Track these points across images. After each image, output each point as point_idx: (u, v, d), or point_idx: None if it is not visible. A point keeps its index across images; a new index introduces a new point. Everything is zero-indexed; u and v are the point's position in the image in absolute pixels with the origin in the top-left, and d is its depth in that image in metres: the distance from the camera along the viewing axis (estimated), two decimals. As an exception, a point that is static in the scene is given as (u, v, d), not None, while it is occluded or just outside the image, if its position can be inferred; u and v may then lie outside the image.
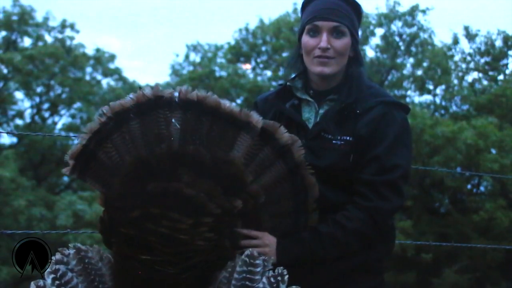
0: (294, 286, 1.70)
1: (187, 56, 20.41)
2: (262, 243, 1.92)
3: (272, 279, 1.70)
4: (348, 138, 2.01)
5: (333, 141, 2.02)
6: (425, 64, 18.40)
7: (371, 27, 18.24)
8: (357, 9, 2.13)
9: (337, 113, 2.04)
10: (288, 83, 2.17)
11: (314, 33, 2.07)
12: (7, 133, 3.40)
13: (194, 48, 20.29)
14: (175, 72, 20.11)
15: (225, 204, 1.83)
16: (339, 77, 2.12)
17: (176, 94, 1.86)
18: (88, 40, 31.43)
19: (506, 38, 17.98)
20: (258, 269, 1.73)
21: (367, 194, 1.96)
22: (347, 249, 1.97)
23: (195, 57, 20.38)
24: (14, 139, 17.44)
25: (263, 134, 1.90)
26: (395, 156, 1.98)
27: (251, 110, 1.92)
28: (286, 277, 1.70)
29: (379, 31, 18.51)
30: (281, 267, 1.73)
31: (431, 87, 18.71)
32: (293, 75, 2.21)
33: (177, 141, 1.83)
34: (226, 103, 1.88)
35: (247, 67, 19.25)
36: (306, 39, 2.09)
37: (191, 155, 1.82)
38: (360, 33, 2.22)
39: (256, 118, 1.89)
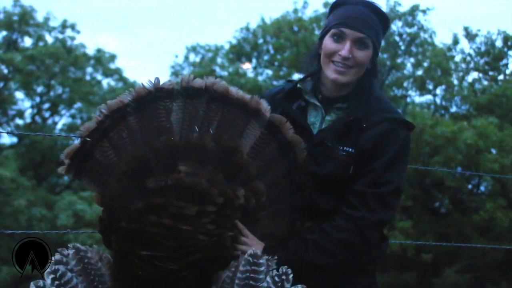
0: (299, 285, 1.71)
1: (186, 58, 20.40)
2: (250, 243, 1.92)
3: (276, 278, 1.70)
4: (350, 149, 2.01)
5: (335, 151, 2.01)
6: (425, 64, 18.36)
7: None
8: (386, 22, 2.11)
9: (343, 125, 2.03)
10: (298, 85, 2.16)
11: (338, 39, 2.05)
12: (8, 133, 3.39)
13: (194, 49, 20.26)
14: (175, 72, 20.10)
15: (227, 191, 1.82)
16: (351, 86, 2.10)
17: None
18: (86, 39, 31.32)
19: (506, 38, 17.94)
20: (262, 268, 1.73)
21: (355, 205, 1.96)
22: (334, 258, 1.96)
23: (194, 58, 20.38)
24: (15, 139, 17.46)
25: (270, 127, 1.90)
26: (390, 173, 1.99)
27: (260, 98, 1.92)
28: (291, 276, 1.70)
29: (379, 31, 18.48)
30: (285, 266, 1.73)
31: (431, 87, 18.69)
32: (303, 75, 2.19)
33: (178, 131, 1.83)
34: (235, 89, 1.89)
35: (247, 66, 19.24)
36: (328, 41, 2.06)
37: (194, 144, 1.82)
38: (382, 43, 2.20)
39: (265, 106, 1.90)
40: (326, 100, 2.11)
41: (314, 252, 1.94)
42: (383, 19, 2.09)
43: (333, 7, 2.13)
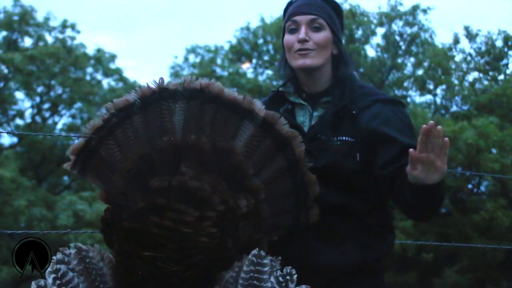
0: (303, 286, 1.69)
1: (186, 59, 20.41)
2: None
3: (280, 278, 1.69)
4: (345, 138, 2.01)
5: (329, 142, 2.02)
6: (425, 64, 18.38)
7: (372, 26, 18.23)
8: (337, 8, 2.17)
9: (332, 116, 2.04)
10: (280, 88, 2.18)
11: (293, 30, 2.11)
12: (8, 133, 3.39)
13: (193, 50, 20.26)
14: (174, 73, 20.10)
15: (229, 200, 1.82)
16: (328, 77, 2.13)
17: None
18: (83, 39, 31.32)
19: (506, 38, 17.96)
20: (266, 269, 1.71)
21: None
22: (436, 204, 1.92)
23: (194, 59, 20.37)
24: (15, 139, 17.47)
25: (263, 125, 1.89)
26: (412, 140, 1.97)
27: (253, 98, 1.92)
28: (295, 276, 1.69)
29: (380, 31, 18.51)
30: (289, 267, 1.71)
31: (431, 87, 18.70)
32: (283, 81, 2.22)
33: (180, 132, 1.83)
34: (229, 90, 1.88)
35: (246, 66, 19.25)
36: (286, 37, 2.13)
37: (192, 145, 1.82)
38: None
39: (259, 105, 1.89)
40: (310, 98, 2.13)
41: (440, 194, 1.91)
42: (333, 5, 2.15)
43: (284, 11, 2.19)
